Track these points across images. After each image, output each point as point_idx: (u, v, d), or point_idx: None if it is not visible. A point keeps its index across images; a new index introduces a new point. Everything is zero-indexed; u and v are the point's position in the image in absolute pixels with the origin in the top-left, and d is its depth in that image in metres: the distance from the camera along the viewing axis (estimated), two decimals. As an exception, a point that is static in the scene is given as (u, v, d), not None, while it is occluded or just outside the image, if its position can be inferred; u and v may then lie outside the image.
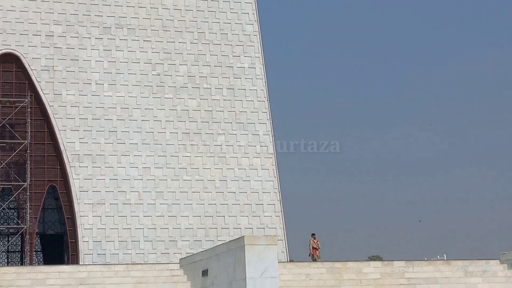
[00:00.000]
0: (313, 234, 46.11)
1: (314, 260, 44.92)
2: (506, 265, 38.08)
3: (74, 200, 49.38)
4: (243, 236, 29.32)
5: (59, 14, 51.76)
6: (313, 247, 45.73)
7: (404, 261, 37.27)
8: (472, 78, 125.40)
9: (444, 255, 49.37)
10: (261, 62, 54.52)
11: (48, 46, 51.21)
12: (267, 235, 45.50)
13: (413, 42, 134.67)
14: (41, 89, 50.68)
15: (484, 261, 38.31)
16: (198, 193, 51.41)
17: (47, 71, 50.96)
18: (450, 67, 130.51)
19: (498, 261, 38.50)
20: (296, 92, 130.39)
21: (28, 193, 49.22)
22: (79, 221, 49.05)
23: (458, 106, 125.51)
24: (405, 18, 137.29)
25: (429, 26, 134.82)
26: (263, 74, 54.38)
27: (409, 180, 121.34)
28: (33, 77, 50.73)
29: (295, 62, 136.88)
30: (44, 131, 50.95)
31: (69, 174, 49.72)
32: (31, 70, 50.74)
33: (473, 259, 38.42)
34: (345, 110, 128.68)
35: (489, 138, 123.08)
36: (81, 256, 48.38)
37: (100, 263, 47.21)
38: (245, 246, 28.31)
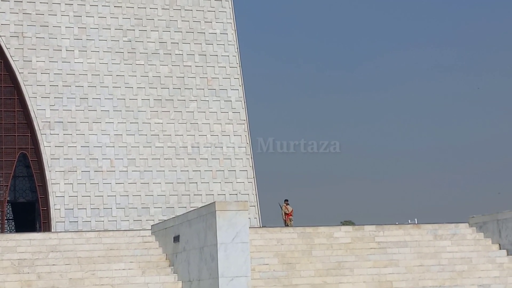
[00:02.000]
0: (286, 200, 46.37)
1: (287, 225, 45.23)
2: (475, 228, 38.56)
3: (45, 167, 49.13)
4: (214, 201, 29.38)
5: (28, -20, 51.03)
6: (285, 213, 46.03)
7: (374, 226, 37.59)
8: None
9: (415, 219, 49.79)
10: (233, 28, 54.25)
11: (17, 12, 50.55)
12: (238, 201, 45.60)
13: (413, 40, 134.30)
14: (11, 56, 50.11)
15: (453, 224, 38.74)
16: (170, 159, 51.35)
17: (16, 37, 50.35)
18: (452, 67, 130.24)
19: (467, 224, 38.97)
20: (295, 92, 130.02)
21: (-2, 161, 48.94)
22: (50, 188, 48.82)
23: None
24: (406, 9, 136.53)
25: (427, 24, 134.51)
26: (235, 40, 54.13)
27: (382, 145, 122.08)
28: (2, 44, 50.11)
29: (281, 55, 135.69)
30: (14, 98, 50.47)
31: (40, 142, 49.40)
32: (0, 36, 50.08)
33: (443, 223, 38.83)
34: (345, 110, 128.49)
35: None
36: (53, 223, 48.26)
37: (72, 230, 47.14)
38: (216, 211, 28.38)
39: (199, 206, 48.61)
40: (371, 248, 35.36)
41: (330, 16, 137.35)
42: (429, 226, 38.00)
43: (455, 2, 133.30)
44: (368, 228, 37.11)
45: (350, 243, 35.71)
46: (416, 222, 46.54)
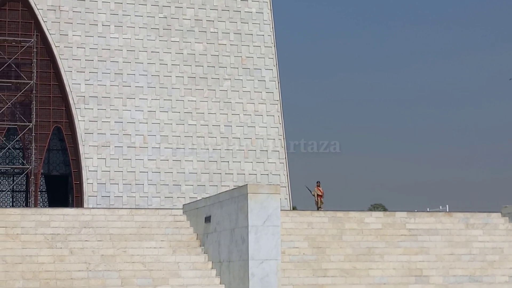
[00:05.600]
0: (318, 182, 46.57)
1: (319, 207, 45.45)
2: (507, 218, 38.29)
3: (79, 141, 49.50)
4: (246, 184, 29.47)
5: (66, -46, 51.12)
6: (317, 194, 46.24)
7: (406, 212, 37.48)
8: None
9: (447, 205, 49.44)
10: (269, 7, 53.99)
11: (54, -15, 50.73)
12: (270, 184, 45.82)
13: (415, 39, 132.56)
14: (47, 29, 50.37)
15: (485, 213, 38.51)
16: (203, 138, 51.47)
17: (53, 11, 50.57)
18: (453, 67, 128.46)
19: (499, 214, 38.71)
20: (295, 91, 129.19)
21: (33, 134, 49.35)
22: (83, 163, 49.23)
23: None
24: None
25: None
26: (270, 19, 53.90)
27: (412, 128, 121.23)
28: (39, 17, 50.37)
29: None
30: (50, 72, 50.82)
31: (75, 116, 49.72)
32: (38, 9, 50.34)
33: (475, 211, 38.59)
34: (345, 110, 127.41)
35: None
36: (85, 197, 48.70)
37: (104, 205, 47.59)
38: (248, 194, 28.43)
39: (230, 185, 49.04)
40: (401, 235, 35.29)
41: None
42: (461, 215, 37.80)
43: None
44: (399, 214, 37.01)
45: (380, 229, 35.66)
46: (447, 209, 46.32)
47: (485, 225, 37.46)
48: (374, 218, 36.52)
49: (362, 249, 33.62)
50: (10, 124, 49.72)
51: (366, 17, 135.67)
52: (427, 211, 42.75)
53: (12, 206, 52.20)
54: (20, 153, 51.17)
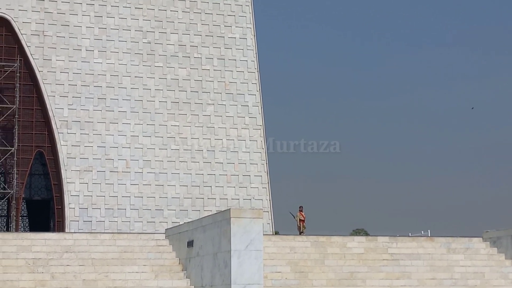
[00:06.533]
0: (300, 207, 46.69)
1: (301, 232, 45.54)
2: (488, 243, 38.52)
3: (61, 166, 49.37)
4: (229, 208, 29.46)
5: (50, -21, 51.32)
6: (299, 219, 46.34)
7: (388, 237, 37.62)
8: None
9: (428, 230, 49.57)
10: (252, 33, 54.37)
11: (38, 10, 50.88)
12: (253, 208, 45.66)
13: (417, 40, 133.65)
14: (31, 54, 50.43)
15: (467, 238, 38.73)
16: (185, 162, 51.50)
17: (37, 35, 50.68)
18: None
19: (481, 238, 38.95)
20: (295, 91, 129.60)
21: (15, 158, 49.17)
22: (66, 187, 49.10)
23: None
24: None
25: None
26: (254, 45, 54.25)
27: (395, 154, 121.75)
28: (23, 42, 50.45)
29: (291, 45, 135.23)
30: (33, 97, 50.79)
31: (57, 140, 49.66)
32: (21, 34, 50.43)
33: (456, 236, 38.79)
34: (345, 110, 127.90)
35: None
36: (67, 222, 48.49)
37: (86, 230, 47.40)
38: (231, 218, 28.45)
39: (212, 210, 49.05)
40: (384, 260, 35.39)
41: (341, 19, 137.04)
42: (443, 239, 37.98)
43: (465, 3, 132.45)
44: (381, 239, 37.13)
45: (363, 253, 35.74)
46: (429, 234, 46.44)
47: (466, 249, 37.65)
48: (357, 243, 36.62)
49: (345, 273, 33.67)
50: (-8, 149, 49.54)
51: (351, 39, 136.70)
52: (409, 236, 42.88)
53: (-7, 231, 51.84)
54: (1, 178, 50.91)
